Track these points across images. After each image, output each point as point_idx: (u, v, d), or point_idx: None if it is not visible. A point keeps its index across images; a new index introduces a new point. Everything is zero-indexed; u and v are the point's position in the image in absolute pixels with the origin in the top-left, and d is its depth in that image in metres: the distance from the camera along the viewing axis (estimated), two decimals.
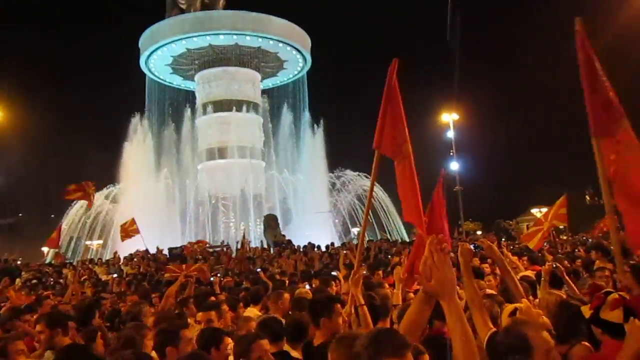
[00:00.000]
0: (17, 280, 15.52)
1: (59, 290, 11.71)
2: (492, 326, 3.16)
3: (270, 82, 40.66)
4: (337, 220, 33.48)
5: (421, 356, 2.70)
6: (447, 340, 2.20)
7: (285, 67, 38.95)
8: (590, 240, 17.70)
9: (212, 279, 10.38)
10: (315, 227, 29.19)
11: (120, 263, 19.96)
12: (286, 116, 36.84)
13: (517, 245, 16.44)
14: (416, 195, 3.84)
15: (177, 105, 38.41)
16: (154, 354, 3.80)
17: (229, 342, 3.81)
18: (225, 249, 22.56)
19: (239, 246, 22.66)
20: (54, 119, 46.77)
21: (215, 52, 35.50)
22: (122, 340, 3.90)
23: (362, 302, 3.84)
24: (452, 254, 3.77)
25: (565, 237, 21.69)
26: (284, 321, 4.39)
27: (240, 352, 3.54)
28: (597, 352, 3.12)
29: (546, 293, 4.80)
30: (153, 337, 3.98)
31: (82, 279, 14.18)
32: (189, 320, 5.45)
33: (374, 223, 29.19)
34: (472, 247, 3.93)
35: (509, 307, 3.39)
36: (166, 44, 34.90)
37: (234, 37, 34.66)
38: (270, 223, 27.77)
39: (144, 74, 38.16)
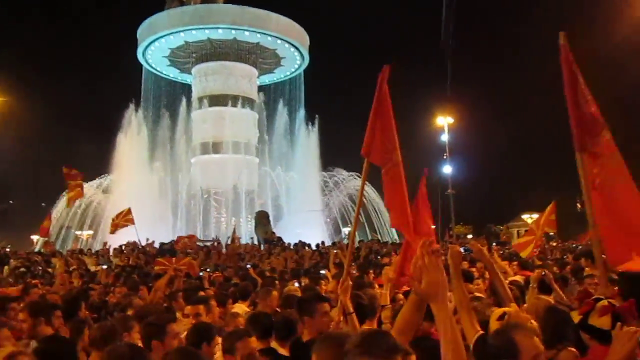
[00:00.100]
0: (5, 267, 15.44)
1: (48, 280, 11.67)
2: (479, 329, 3.16)
3: (267, 79, 40.50)
4: (328, 220, 33.46)
5: (408, 357, 2.69)
6: (434, 341, 2.19)
7: (283, 64, 38.83)
8: (579, 247, 17.79)
9: (201, 273, 10.38)
10: (306, 225, 29.11)
11: (110, 254, 19.87)
12: (281, 113, 36.69)
13: (507, 250, 16.50)
14: (405, 202, 3.84)
15: (173, 97, 38.23)
16: None
17: (219, 339, 3.81)
18: (215, 243, 22.51)
19: (229, 242, 22.68)
20: (48, 107, 46.31)
21: (214, 46, 35.34)
22: (103, 330, 3.84)
23: (352, 310, 3.81)
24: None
25: (554, 244, 21.82)
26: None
27: (228, 349, 3.53)
28: (584, 358, 3.15)
29: (534, 298, 4.82)
30: (139, 330, 3.93)
31: (71, 268, 14.13)
32: (177, 314, 5.44)
33: (365, 223, 29.15)
34: (462, 250, 3.92)
35: (498, 311, 3.40)
36: (164, 36, 34.70)
37: (233, 32, 34.50)
38: (262, 220, 27.69)
39: (140, 65, 37.87)
